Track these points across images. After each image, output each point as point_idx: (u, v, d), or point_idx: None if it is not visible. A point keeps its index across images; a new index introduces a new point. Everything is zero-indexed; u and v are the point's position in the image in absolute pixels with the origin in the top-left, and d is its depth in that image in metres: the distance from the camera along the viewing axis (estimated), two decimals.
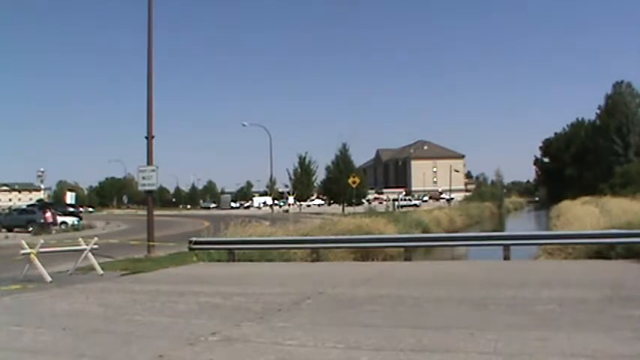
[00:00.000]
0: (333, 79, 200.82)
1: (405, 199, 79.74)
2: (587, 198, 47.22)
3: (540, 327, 6.24)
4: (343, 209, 54.56)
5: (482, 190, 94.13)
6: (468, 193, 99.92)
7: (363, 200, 67.57)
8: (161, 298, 9.32)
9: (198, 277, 12.71)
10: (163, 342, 6.13)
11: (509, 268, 12.50)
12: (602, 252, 13.42)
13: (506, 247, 13.86)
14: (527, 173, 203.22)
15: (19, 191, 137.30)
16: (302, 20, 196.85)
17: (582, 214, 25.31)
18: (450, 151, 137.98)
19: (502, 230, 38.01)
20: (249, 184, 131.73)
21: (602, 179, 61.33)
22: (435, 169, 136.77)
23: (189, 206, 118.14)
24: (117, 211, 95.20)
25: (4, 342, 6.38)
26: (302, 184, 70.77)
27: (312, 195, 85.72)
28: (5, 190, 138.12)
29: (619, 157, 67.96)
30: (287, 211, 57.71)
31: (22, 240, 13.64)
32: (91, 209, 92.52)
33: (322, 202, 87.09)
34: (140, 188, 19.58)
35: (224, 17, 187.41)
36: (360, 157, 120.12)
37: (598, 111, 78.38)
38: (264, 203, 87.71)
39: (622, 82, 74.23)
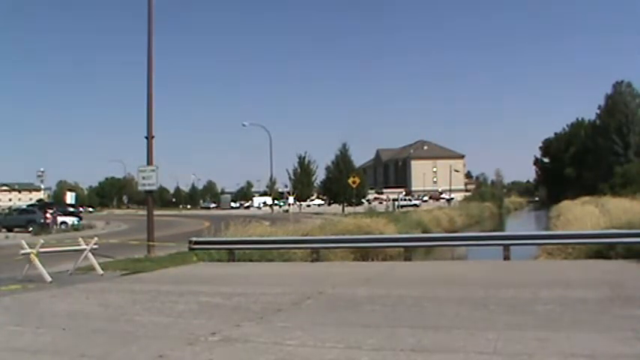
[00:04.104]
0: (333, 79, 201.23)
1: (405, 199, 79.67)
2: (587, 198, 47.23)
3: (540, 327, 6.24)
4: (343, 209, 54.60)
5: (482, 190, 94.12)
6: (468, 193, 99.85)
7: (363, 200, 67.58)
8: (161, 298, 9.31)
9: (198, 277, 12.71)
10: (163, 342, 6.12)
11: (509, 268, 12.50)
12: (602, 252, 13.42)
13: (506, 247, 13.86)
14: (527, 173, 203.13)
15: (19, 191, 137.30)
16: (302, 22, 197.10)
17: (582, 214, 25.30)
18: (450, 151, 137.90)
19: (502, 230, 38.00)
20: (249, 184, 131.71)
21: (602, 179, 61.32)
22: (435, 169, 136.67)
23: (189, 206, 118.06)
24: (117, 211, 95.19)
25: (4, 342, 6.37)
26: (302, 184, 70.76)
27: (312, 195, 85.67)
28: (5, 190, 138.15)
29: (619, 157, 67.99)
30: (287, 211, 57.66)
31: (22, 240, 13.64)
32: (91, 209, 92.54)
33: (322, 202, 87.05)
34: (140, 188, 19.57)
35: (224, 18, 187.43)
36: (360, 157, 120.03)
37: (598, 111, 78.52)
38: (264, 203, 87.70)
39: (622, 82, 74.42)
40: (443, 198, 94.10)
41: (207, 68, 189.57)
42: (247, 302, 8.61)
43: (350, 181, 49.09)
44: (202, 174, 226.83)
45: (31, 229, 31.60)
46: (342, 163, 65.32)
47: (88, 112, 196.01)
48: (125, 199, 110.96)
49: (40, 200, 65.13)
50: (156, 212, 20.39)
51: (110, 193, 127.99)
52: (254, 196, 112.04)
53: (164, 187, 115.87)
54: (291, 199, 64.44)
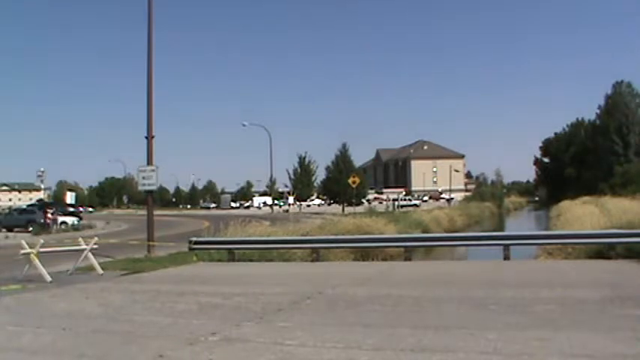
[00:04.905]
0: (333, 79, 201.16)
1: (405, 199, 79.57)
2: (587, 198, 47.24)
3: (540, 327, 6.24)
4: (343, 209, 54.57)
5: (482, 190, 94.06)
6: (468, 193, 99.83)
7: (363, 200, 67.60)
8: (161, 298, 9.31)
9: (198, 277, 12.71)
10: (163, 342, 6.12)
11: (509, 268, 12.50)
12: (602, 252, 13.42)
13: (506, 247, 13.88)
14: (527, 173, 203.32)
15: (19, 191, 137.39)
16: (302, 20, 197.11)
17: (582, 214, 25.36)
18: (450, 151, 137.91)
19: (502, 230, 37.99)
20: (249, 184, 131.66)
21: (602, 179, 61.41)
22: (435, 169, 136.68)
23: (189, 206, 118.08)
24: (117, 211, 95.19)
25: (4, 342, 6.37)
26: (302, 184, 70.92)
27: (312, 195, 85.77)
28: (5, 190, 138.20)
29: (619, 157, 68.06)
30: (287, 211, 57.68)
31: (22, 240, 13.63)
32: (91, 209, 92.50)
33: (322, 202, 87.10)
34: (140, 188, 19.57)
35: (224, 17, 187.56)
36: (360, 157, 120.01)
37: (598, 111, 78.62)
38: (264, 203, 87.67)
39: (622, 82, 74.43)
40: (443, 198, 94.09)
41: (207, 67, 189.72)
42: (247, 302, 8.61)
43: (350, 181, 49.09)
44: (202, 174, 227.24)
45: (31, 229, 31.60)
46: (342, 163, 65.44)
47: (88, 111, 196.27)
48: (125, 199, 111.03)
49: (40, 200, 65.04)
50: (156, 212, 20.39)
51: (110, 193, 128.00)
52: (254, 196, 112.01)
53: (164, 187, 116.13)
54: (291, 199, 64.53)
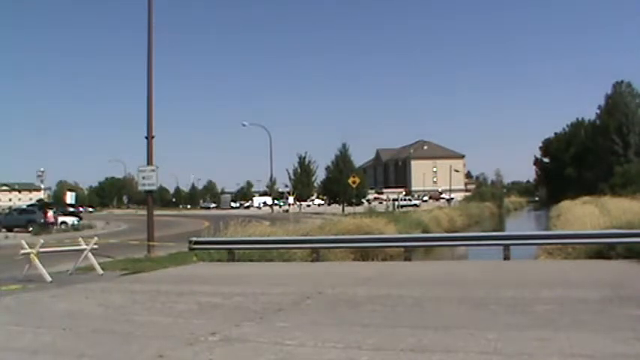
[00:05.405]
0: (333, 79, 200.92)
1: (405, 199, 79.50)
2: (587, 198, 47.23)
3: (540, 327, 6.24)
4: (343, 209, 54.57)
5: (482, 190, 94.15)
6: (468, 193, 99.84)
7: (363, 200, 67.60)
8: (161, 298, 9.31)
9: (198, 277, 12.71)
10: (163, 342, 6.12)
11: (509, 268, 12.50)
12: (602, 252, 13.41)
13: (506, 247, 13.88)
14: (527, 173, 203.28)
15: (19, 191, 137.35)
16: (302, 19, 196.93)
17: (582, 214, 25.31)
18: (450, 151, 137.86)
19: (502, 230, 37.98)
20: (249, 184, 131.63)
21: (602, 179, 61.45)
22: (435, 169, 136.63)
23: (189, 206, 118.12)
24: (117, 211, 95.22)
25: (4, 342, 6.38)
26: (302, 184, 70.95)
27: (312, 195, 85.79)
28: (5, 190, 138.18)
29: (619, 157, 68.11)
30: (287, 211, 57.64)
31: (22, 240, 13.63)
32: (91, 209, 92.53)
33: (322, 202, 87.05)
34: (140, 188, 19.58)
35: (224, 17, 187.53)
36: (360, 157, 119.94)
37: (598, 111, 78.73)
38: (264, 203, 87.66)
39: (622, 82, 74.56)
40: (443, 198, 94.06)
41: (207, 67, 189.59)
42: (247, 302, 8.61)
43: (350, 181, 49.09)
44: (202, 174, 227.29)
45: (31, 229, 31.60)
46: (342, 163, 65.51)
47: (88, 111, 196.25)
48: (125, 199, 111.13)
49: (40, 200, 65.05)
50: (156, 212, 20.38)
51: (110, 193, 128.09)
52: (254, 196, 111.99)
53: (164, 187, 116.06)
54: (291, 199, 64.48)
